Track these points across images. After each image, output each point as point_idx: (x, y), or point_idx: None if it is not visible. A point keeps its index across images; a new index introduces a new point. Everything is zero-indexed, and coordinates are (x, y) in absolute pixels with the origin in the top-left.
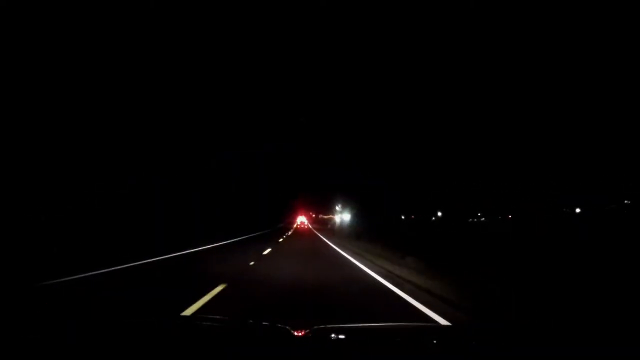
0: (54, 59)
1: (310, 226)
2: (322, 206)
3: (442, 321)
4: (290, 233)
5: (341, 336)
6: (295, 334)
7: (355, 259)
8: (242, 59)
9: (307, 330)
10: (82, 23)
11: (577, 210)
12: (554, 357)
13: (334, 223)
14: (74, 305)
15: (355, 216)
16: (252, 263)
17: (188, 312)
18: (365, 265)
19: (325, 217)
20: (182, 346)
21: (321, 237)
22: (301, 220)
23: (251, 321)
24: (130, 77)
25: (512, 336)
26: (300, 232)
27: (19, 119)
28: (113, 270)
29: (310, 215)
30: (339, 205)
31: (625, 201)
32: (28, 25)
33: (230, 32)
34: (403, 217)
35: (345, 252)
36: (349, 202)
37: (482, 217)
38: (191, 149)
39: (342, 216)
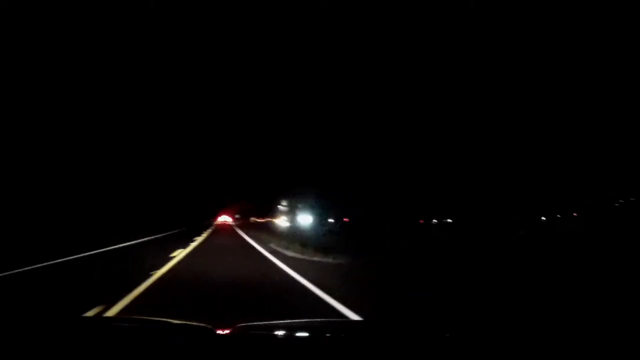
0: (55, 65)
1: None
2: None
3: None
4: None
5: (264, 333)
6: (218, 332)
7: None
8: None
9: (231, 329)
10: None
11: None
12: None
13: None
14: None
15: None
16: None
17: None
18: None
19: (261, 219)
20: (100, 349)
21: None
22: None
23: (172, 321)
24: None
25: (423, 332)
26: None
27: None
28: None
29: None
30: (285, 203)
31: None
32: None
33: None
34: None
35: None
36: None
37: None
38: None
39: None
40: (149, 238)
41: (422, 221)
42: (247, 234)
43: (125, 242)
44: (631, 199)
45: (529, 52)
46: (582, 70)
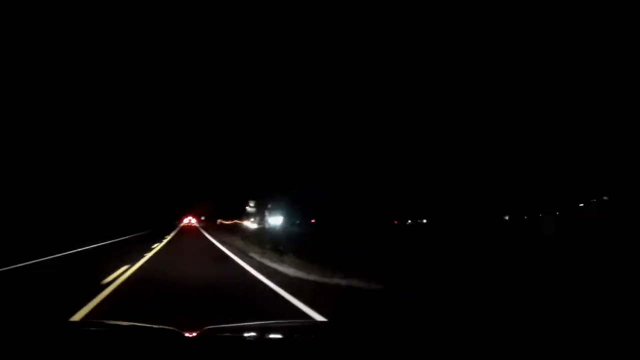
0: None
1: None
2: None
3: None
4: None
5: (232, 335)
6: (186, 335)
7: None
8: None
9: (199, 332)
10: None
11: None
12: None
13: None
14: None
15: None
16: None
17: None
18: None
19: (227, 221)
20: (69, 354)
21: None
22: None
23: (139, 324)
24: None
25: (383, 332)
26: None
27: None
28: None
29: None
30: (252, 203)
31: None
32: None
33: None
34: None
35: None
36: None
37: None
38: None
39: (270, 218)
40: (92, 246)
41: (396, 222)
42: (218, 239)
43: (55, 254)
44: (604, 197)
45: (521, 53)
46: (570, 71)
